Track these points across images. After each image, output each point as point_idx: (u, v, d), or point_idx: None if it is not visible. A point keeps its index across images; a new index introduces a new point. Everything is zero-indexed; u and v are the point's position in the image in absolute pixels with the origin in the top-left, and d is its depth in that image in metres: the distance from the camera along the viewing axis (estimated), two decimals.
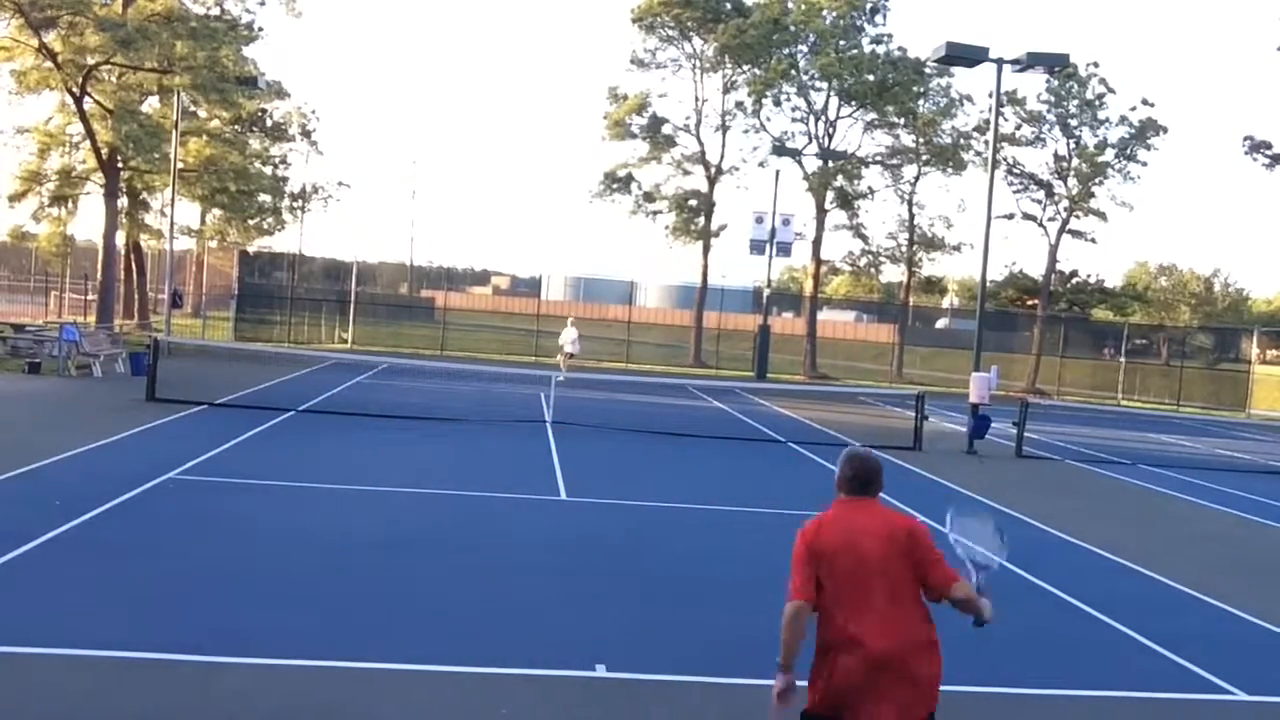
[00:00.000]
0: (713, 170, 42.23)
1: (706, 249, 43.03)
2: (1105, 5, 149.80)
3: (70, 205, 35.15)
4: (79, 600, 7.24)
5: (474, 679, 6.12)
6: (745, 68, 41.52)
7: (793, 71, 41.12)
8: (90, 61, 28.54)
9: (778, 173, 39.62)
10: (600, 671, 6.57)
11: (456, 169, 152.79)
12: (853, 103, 42.27)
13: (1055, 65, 22.78)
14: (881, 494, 4.41)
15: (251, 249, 46.82)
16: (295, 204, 49.39)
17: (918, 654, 4.12)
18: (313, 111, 52.94)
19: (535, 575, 8.63)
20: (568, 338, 30.80)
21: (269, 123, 46.41)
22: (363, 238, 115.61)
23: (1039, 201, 44.27)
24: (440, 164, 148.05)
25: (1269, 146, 38.62)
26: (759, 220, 39.18)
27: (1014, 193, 44.30)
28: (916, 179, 44.93)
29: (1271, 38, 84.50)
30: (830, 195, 42.45)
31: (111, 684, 5.86)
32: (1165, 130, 42.47)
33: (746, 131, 43.24)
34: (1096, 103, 42.64)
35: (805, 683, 4.18)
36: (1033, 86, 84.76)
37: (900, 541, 4.22)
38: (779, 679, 4.12)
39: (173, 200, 31.27)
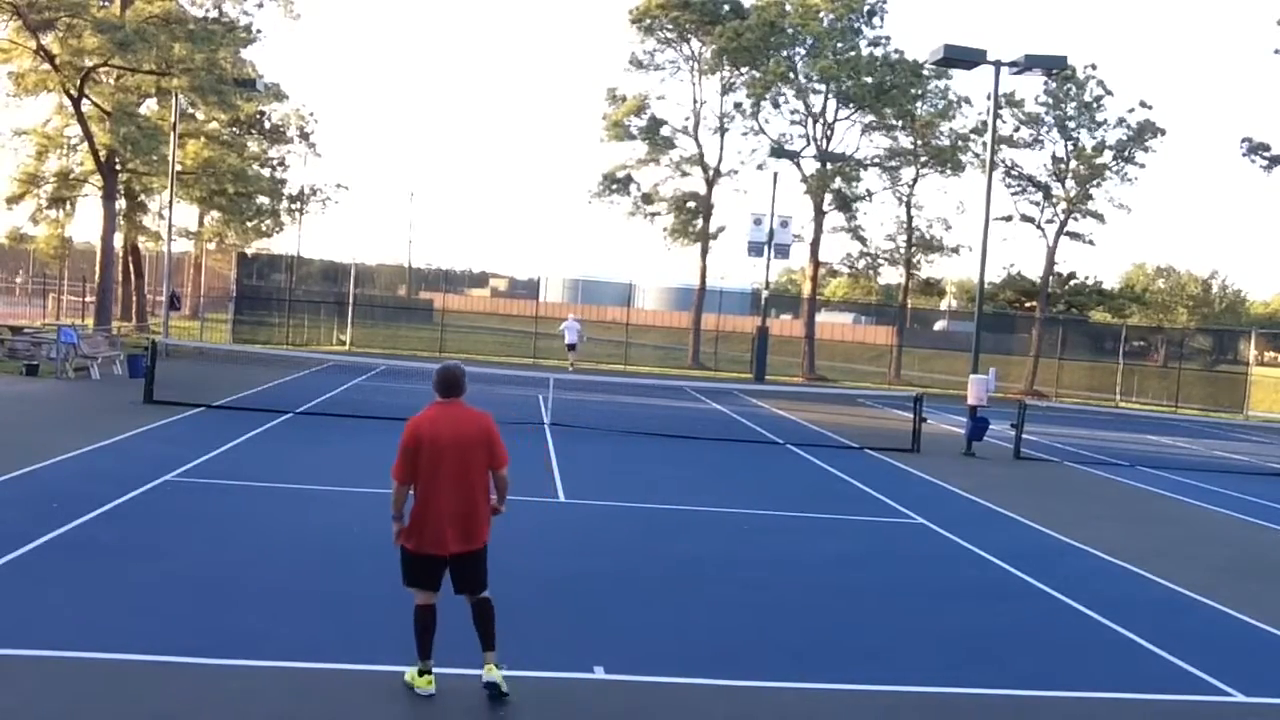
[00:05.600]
0: (711, 172, 42.22)
1: (705, 251, 43.03)
2: (1103, 7, 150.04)
3: (68, 207, 35.11)
4: (77, 603, 7.24)
5: (473, 681, 6.11)
6: (743, 70, 41.51)
7: (791, 74, 41.13)
8: (88, 63, 28.48)
9: (776, 175, 39.66)
10: (599, 673, 6.58)
11: (454, 171, 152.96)
12: (851, 105, 42.27)
13: (1053, 67, 22.82)
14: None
15: (250, 251, 46.85)
16: (293, 206, 49.41)
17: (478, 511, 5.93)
18: (311, 114, 52.98)
19: (533, 578, 8.61)
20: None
21: (267, 125, 46.41)
22: (361, 240, 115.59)
23: (1037, 203, 44.32)
24: (438, 166, 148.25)
25: (1267, 148, 38.65)
26: (757, 222, 39.15)
27: (1012, 195, 44.37)
28: (914, 181, 44.94)
29: (1270, 40, 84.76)
30: (828, 197, 42.46)
31: (111, 688, 5.86)
32: (1163, 132, 42.55)
33: (745, 134, 43.27)
34: (1094, 105, 42.69)
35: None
36: (1031, 88, 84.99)
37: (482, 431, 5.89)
38: (394, 525, 5.95)
39: (170, 202, 31.20)
